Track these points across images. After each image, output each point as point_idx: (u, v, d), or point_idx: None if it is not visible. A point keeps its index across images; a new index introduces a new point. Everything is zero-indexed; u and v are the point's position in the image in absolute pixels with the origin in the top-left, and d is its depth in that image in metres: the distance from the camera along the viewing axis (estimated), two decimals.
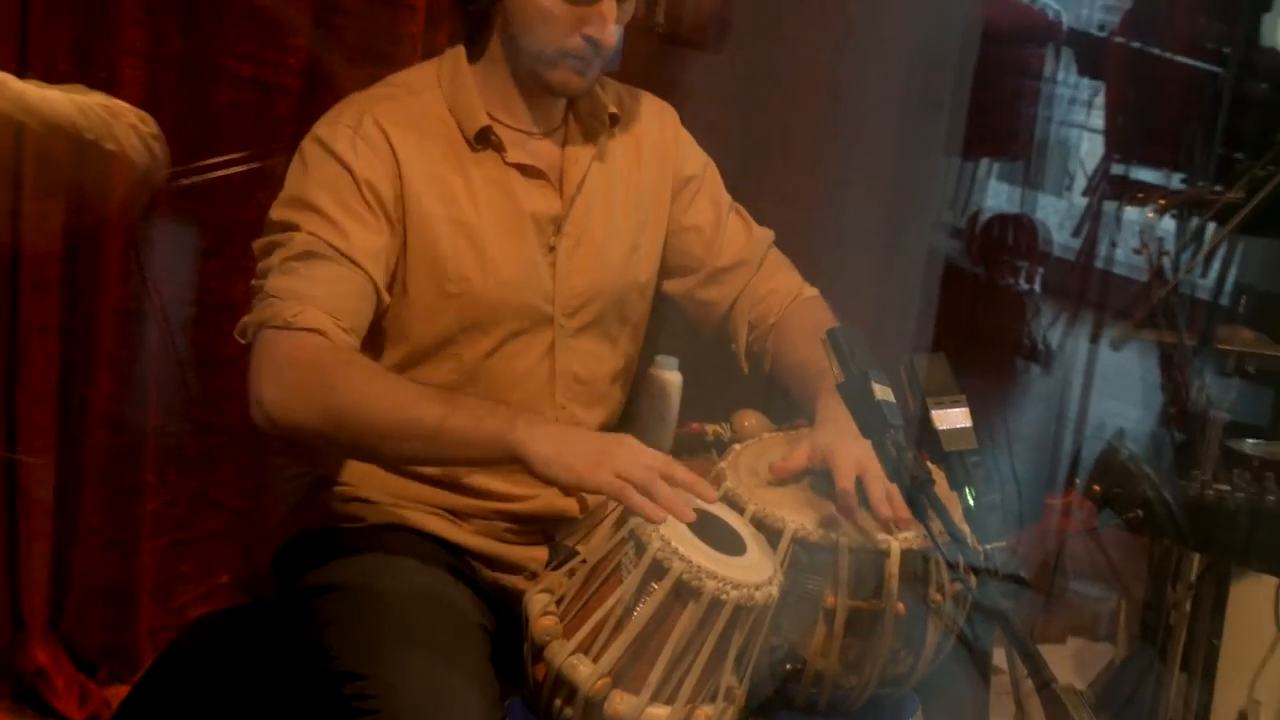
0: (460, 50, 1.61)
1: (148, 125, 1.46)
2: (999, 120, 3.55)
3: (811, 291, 1.78)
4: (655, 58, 2.04)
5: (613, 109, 1.66)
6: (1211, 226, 2.32)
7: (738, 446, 1.68)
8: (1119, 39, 3.48)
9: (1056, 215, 4.03)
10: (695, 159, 1.77)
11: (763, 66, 2.32)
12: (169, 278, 2.24)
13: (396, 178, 1.52)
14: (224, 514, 2.41)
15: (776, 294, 1.75)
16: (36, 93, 1.39)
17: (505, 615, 1.56)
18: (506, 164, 1.58)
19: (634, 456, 1.39)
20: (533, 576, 1.60)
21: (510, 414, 1.40)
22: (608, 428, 1.71)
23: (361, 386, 1.43)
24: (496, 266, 1.56)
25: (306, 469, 1.66)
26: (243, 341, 1.46)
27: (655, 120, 1.74)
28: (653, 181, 1.72)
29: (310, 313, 1.41)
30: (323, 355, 1.42)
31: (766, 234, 1.79)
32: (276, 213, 1.51)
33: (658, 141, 1.74)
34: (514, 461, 1.38)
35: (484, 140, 1.56)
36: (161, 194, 1.91)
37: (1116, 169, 3.54)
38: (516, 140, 1.59)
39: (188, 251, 2.26)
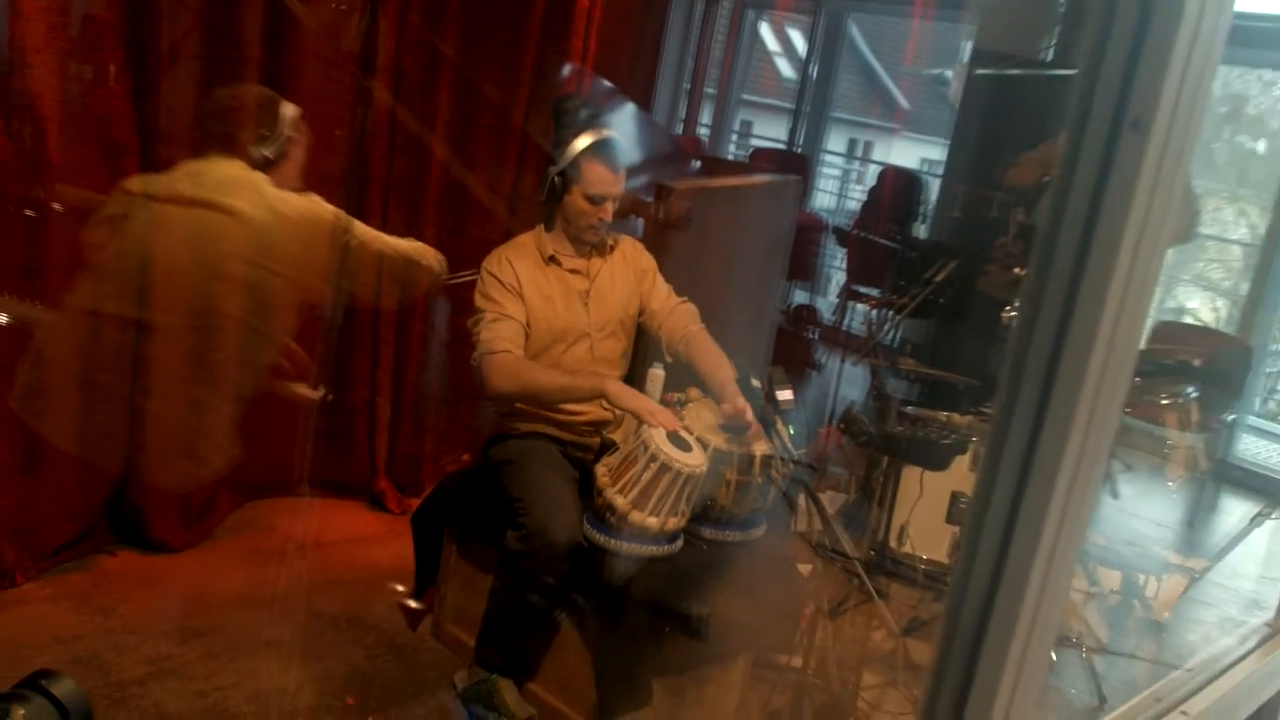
0: (541, 227, 3.01)
1: (437, 257, 2.86)
2: (804, 262, 6.01)
3: (700, 325, 3.08)
4: (656, 234, 3.33)
5: (610, 244, 3.06)
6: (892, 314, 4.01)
7: (691, 404, 2.92)
8: (855, 230, 5.78)
9: (827, 306, 6.31)
10: (650, 265, 3.14)
11: (699, 246, 3.58)
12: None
13: (516, 280, 2.91)
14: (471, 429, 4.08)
15: (683, 324, 3.06)
16: (391, 239, 2.77)
17: (583, 472, 2.86)
18: (564, 270, 2.99)
19: (648, 401, 2.80)
20: (592, 452, 2.92)
21: (599, 377, 2.83)
22: (620, 377, 3.03)
23: (534, 374, 2.84)
24: (559, 312, 2.97)
25: (494, 410, 3.04)
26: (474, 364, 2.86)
27: (633, 249, 3.13)
28: (632, 276, 3.09)
29: (502, 343, 2.81)
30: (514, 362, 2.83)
31: (683, 300, 3.13)
32: (477, 302, 2.90)
33: (633, 259, 3.11)
34: (602, 396, 2.79)
35: (552, 261, 2.98)
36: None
37: (854, 286, 5.85)
38: (566, 260, 2.99)
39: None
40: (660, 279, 3.15)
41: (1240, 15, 6.61)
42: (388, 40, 3.57)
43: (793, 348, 5.03)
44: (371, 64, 3.59)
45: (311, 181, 2.94)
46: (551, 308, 2.94)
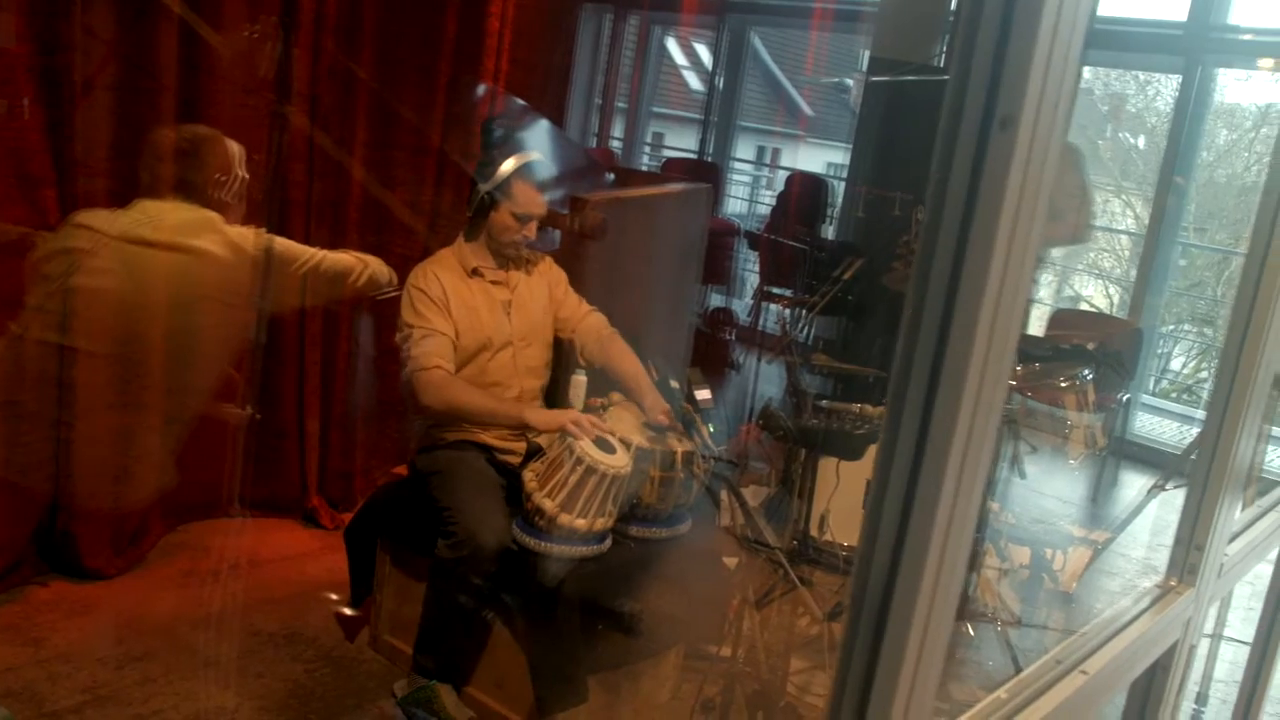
0: (461, 240, 3.01)
1: (381, 265, 2.85)
2: (718, 267, 5.99)
3: (612, 331, 3.12)
4: (572, 244, 3.33)
5: (528, 258, 3.08)
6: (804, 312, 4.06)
7: (613, 406, 2.96)
8: (766, 234, 5.83)
9: (743, 308, 6.36)
10: (561, 278, 3.17)
11: (616, 255, 3.57)
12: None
13: (443, 293, 2.90)
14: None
15: (596, 332, 3.10)
16: (332, 254, 2.75)
17: (511, 478, 2.85)
18: (486, 281, 2.99)
19: (566, 416, 2.83)
20: (520, 457, 2.89)
21: (520, 407, 2.85)
22: (543, 385, 3.10)
23: (462, 394, 2.84)
24: (484, 321, 2.98)
25: (422, 422, 3.03)
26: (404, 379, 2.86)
27: (545, 263, 3.16)
28: (547, 288, 3.11)
29: (433, 360, 2.82)
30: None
31: (593, 309, 3.16)
32: (405, 318, 2.89)
33: (545, 272, 3.14)
34: (523, 426, 2.83)
35: (475, 273, 2.98)
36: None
37: (767, 288, 5.90)
38: (488, 271, 3.00)
39: None
40: (571, 290, 3.20)
41: (1116, 20, 6.85)
42: (303, 66, 3.54)
43: (712, 349, 5.08)
44: (288, 90, 3.54)
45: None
46: (476, 318, 2.96)
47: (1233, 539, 1.73)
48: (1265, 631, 2.35)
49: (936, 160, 0.71)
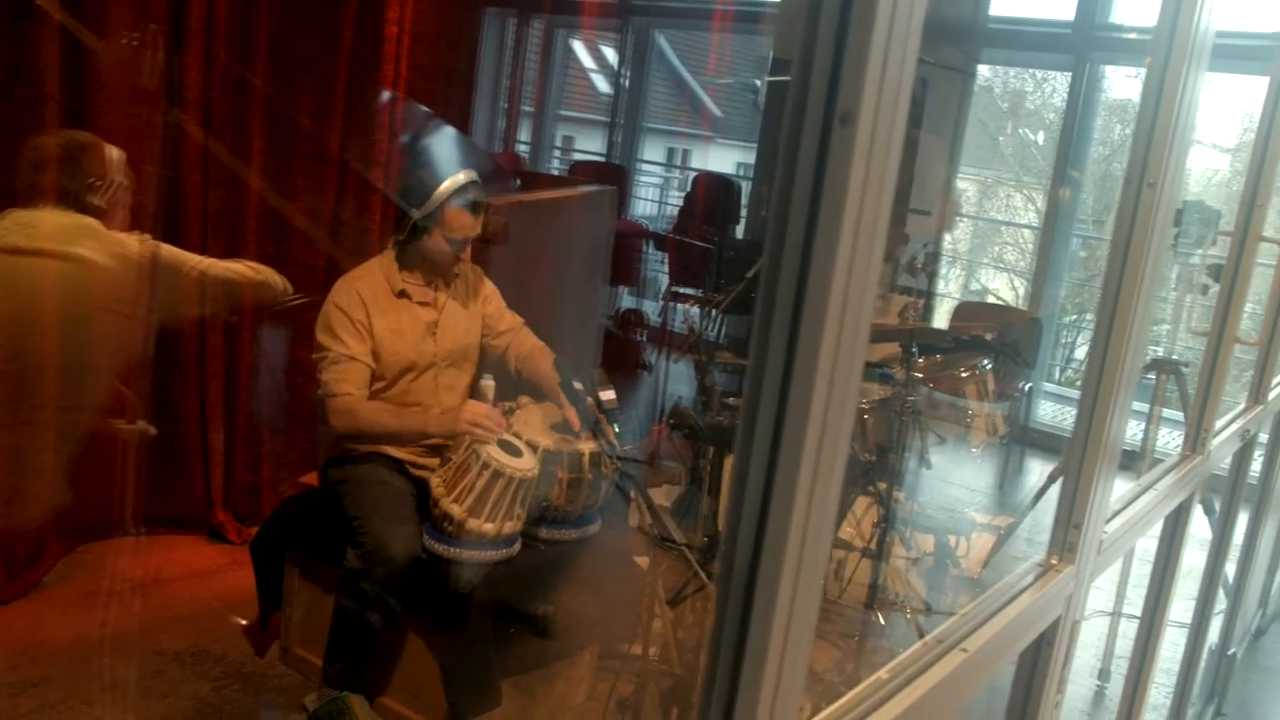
0: (390, 256, 2.95)
1: (274, 275, 2.80)
2: (627, 268, 6.02)
3: (540, 342, 3.10)
4: (475, 249, 3.24)
5: (455, 272, 3.03)
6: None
7: (520, 410, 2.95)
8: (673, 235, 5.88)
9: (654, 308, 6.34)
10: (491, 290, 3.12)
11: (520, 259, 3.64)
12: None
13: (365, 316, 2.84)
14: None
15: (528, 343, 3.08)
16: (220, 263, 2.70)
17: (421, 486, 2.84)
18: (413, 303, 2.93)
19: (475, 413, 2.80)
20: (430, 469, 2.85)
21: (422, 418, 2.82)
22: (464, 401, 3.00)
23: (369, 418, 2.81)
24: (409, 345, 2.92)
25: (331, 432, 2.95)
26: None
27: (474, 275, 3.10)
28: (475, 302, 3.06)
29: (344, 387, 2.78)
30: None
31: (518, 317, 3.14)
32: (321, 338, 2.83)
33: (475, 285, 3.09)
34: (426, 436, 2.82)
35: (402, 295, 2.92)
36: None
37: (676, 288, 5.91)
38: (415, 292, 2.94)
39: None
40: (503, 304, 3.16)
41: (1010, 20, 7.04)
42: (193, 74, 3.47)
43: (623, 350, 5.10)
44: (180, 97, 3.47)
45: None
46: (401, 340, 2.90)
47: (1112, 517, 1.80)
48: (1152, 605, 2.44)
49: (782, 156, 0.73)
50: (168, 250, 2.69)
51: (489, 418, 2.77)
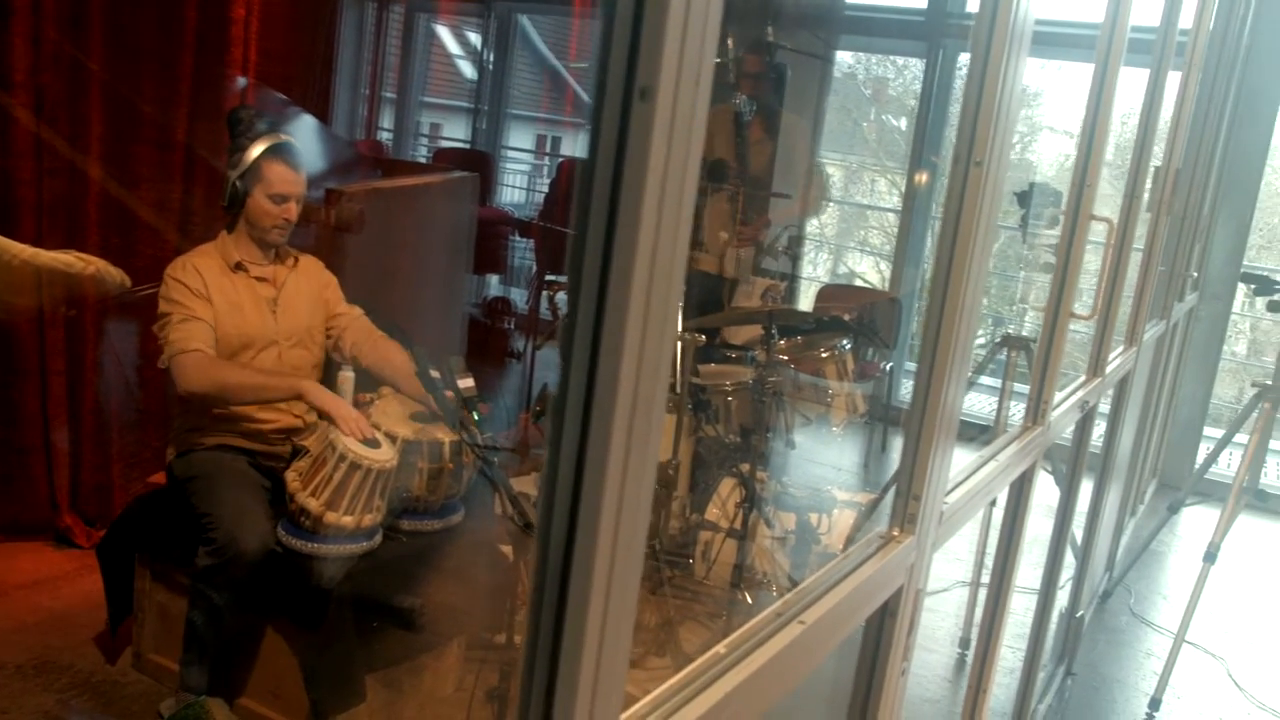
0: (224, 234, 2.89)
1: (109, 267, 2.67)
2: (493, 256, 5.88)
3: (380, 332, 3.04)
4: (329, 238, 3.30)
5: (294, 257, 2.98)
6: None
7: (379, 400, 2.91)
8: (539, 222, 5.84)
9: (521, 296, 6.29)
10: (331, 280, 3.08)
11: (378, 246, 3.57)
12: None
13: (204, 285, 2.78)
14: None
15: (366, 331, 3.03)
16: (46, 253, 2.56)
17: (275, 480, 2.78)
18: (250, 277, 2.89)
19: (345, 407, 2.74)
20: (283, 461, 2.81)
21: (296, 379, 2.75)
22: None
23: (228, 372, 2.73)
24: (248, 319, 2.87)
25: (180, 422, 2.89)
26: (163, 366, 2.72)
27: (314, 266, 3.06)
28: (316, 290, 3.02)
29: (193, 342, 2.69)
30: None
31: (357, 308, 3.09)
32: (162, 307, 2.74)
33: (315, 275, 3.04)
34: (299, 398, 2.73)
35: (239, 268, 2.87)
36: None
37: (545, 275, 5.77)
38: (252, 267, 2.89)
39: None
40: (341, 295, 3.11)
41: (867, 7, 7.20)
42: (21, 55, 3.29)
43: (491, 338, 5.05)
44: (7, 80, 3.29)
45: None
46: (240, 314, 2.84)
47: (954, 488, 1.86)
48: (999, 571, 2.54)
49: (589, 132, 0.73)
50: None
51: (357, 422, 2.71)
